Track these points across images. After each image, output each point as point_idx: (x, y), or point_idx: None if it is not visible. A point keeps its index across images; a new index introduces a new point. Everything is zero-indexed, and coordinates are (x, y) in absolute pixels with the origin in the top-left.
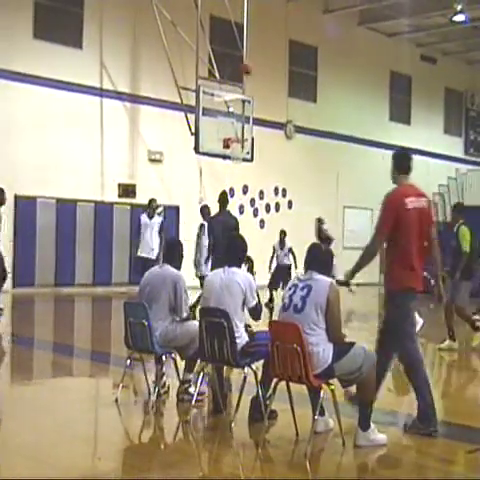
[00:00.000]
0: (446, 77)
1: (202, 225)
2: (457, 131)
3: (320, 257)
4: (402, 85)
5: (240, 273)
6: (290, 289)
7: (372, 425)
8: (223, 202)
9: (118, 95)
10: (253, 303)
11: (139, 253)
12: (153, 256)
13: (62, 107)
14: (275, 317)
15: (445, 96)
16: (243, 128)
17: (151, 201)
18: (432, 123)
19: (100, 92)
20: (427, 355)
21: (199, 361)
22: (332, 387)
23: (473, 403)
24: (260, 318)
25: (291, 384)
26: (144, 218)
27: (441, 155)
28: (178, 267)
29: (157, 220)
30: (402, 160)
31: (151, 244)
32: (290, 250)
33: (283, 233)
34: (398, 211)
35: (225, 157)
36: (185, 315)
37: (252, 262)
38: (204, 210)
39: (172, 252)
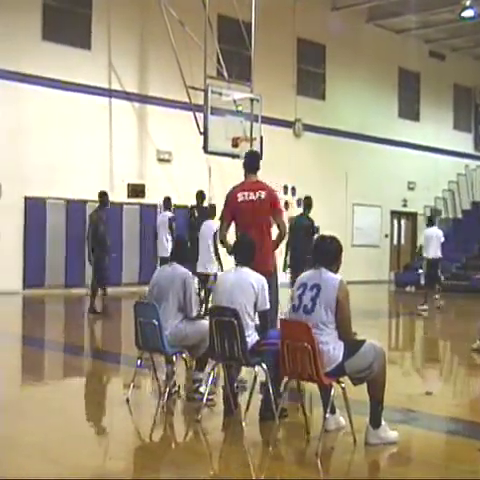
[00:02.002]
0: (455, 73)
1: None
2: (466, 127)
3: (328, 251)
4: (411, 82)
5: (253, 274)
6: (299, 289)
7: (383, 423)
8: (309, 205)
9: (126, 95)
10: (264, 307)
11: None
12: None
13: (71, 108)
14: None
15: (454, 92)
16: (251, 127)
17: (168, 199)
18: (441, 119)
19: (109, 93)
20: (460, 355)
21: (210, 360)
22: (343, 385)
23: None
24: (268, 326)
25: (302, 382)
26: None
27: (450, 151)
28: (189, 266)
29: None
30: (250, 160)
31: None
32: None
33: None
34: (231, 204)
35: (234, 156)
36: (195, 314)
37: None
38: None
39: (182, 251)
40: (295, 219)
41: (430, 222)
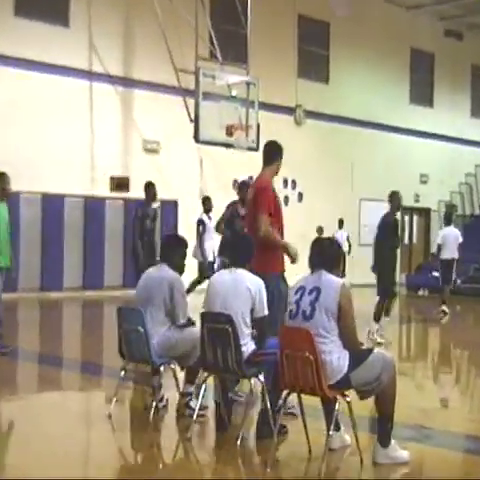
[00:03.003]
0: (473, 54)
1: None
2: None
3: (327, 253)
4: (424, 63)
5: (250, 277)
6: (297, 293)
7: (393, 441)
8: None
9: (109, 78)
10: (261, 314)
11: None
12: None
13: (47, 92)
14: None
15: (472, 75)
16: (247, 114)
17: (207, 198)
18: (458, 105)
19: (89, 75)
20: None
21: (201, 371)
22: (348, 399)
23: None
24: (265, 335)
25: (303, 396)
26: (207, 220)
27: (468, 141)
28: (178, 268)
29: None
30: (264, 151)
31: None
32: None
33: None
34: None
35: (228, 146)
36: (183, 321)
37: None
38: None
39: (170, 250)
40: (381, 218)
41: (447, 221)
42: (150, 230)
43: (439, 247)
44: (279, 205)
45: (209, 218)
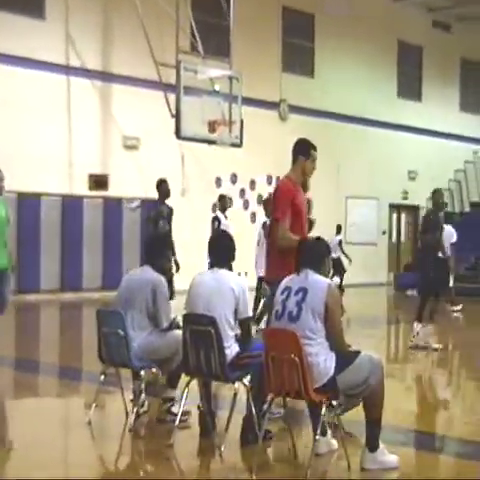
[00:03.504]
0: (462, 46)
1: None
2: (475, 108)
3: (313, 251)
4: (412, 56)
5: (233, 277)
6: (283, 293)
7: (381, 445)
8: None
9: (87, 73)
10: (246, 315)
11: None
12: None
13: (22, 87)
14: None
15: (461, 68)
16: (230, 109)
17: (223, 196)
18: (446, 99)
19: (66, 69)
20: (469, 367)
21: (183, 376)
22: (335, 402)
23: None
24: (249, 337)
25: (289, 400)
26: (222, 218)
27: (457, 136)
28: (161, 269)
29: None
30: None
31: None
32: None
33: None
34: None
35: (210, 142)
36: (166, 325)
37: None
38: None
39: (153, 252)
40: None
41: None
42: (165, 231)
43: None
44: (300, 208)
45: (225, 217)
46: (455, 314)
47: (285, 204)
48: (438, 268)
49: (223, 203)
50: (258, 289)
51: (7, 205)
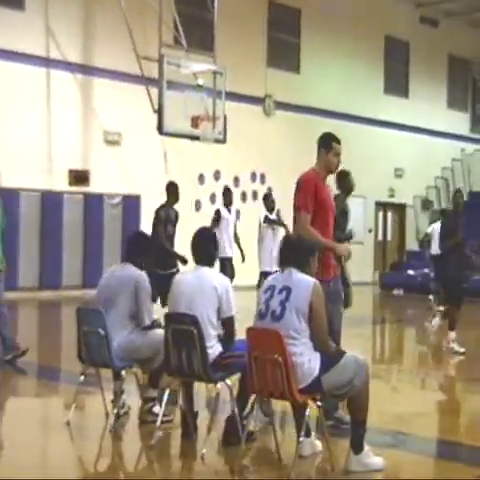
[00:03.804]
0: (449, 42)
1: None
2: (462, 105)
3: (297, 250)
4: (399, 52)
5: (216, 276)
6: (266, 292)
7: (366, 447)
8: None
9: (68, 66)
10: (229, 314)
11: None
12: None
13: (0, 80)
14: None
15: (448, 65)
16: (214, 104)
17: (228, 190)
18: (433, 96)
19: (46, 62)
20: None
21: (165, 375)
22: (319, 403)
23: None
24: (233, 337)
25: (272, 401)
26: (225, 212)
27: (444, 133)
28: (142, 266)
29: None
30: None
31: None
32: None
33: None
34: None
35: (194, 138)
36: (148, 323)
37: None
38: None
39: (135, 248)
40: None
41: (439, 216)
42: (170, 236)
43: (429, 241)
44: (324, 202)
45: (229, 211)
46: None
47: (306, 195)
48: (432, 264)
49: (228, 197)
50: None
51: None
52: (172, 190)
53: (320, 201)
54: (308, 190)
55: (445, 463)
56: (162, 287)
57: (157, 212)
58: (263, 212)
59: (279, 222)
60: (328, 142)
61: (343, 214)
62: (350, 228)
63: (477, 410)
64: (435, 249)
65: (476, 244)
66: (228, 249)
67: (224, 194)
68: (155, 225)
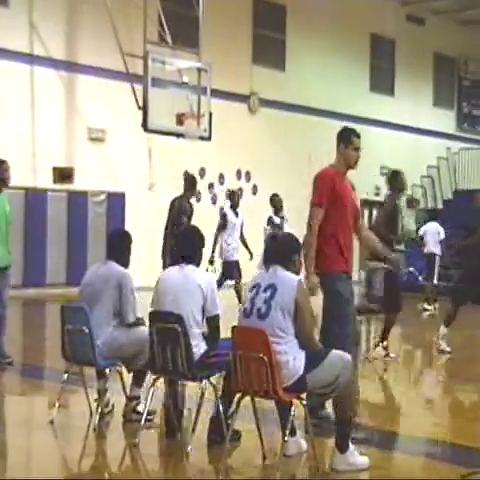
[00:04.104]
0: (436, 41)
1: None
2: (448, 103)
3: (282, 247)
4: (385, 50)
5: (201, 274)
6: (251, 291)
7: (352, 446)
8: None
9: (52, 62)
10: (214, 312)
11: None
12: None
13: None
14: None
15: (434, 63)
16: (199, 101)
17: (234, 192)
18: (419, 94)
19: (30, 59)
20: (440, 367)
21: (149, 374)
22: (304, 402)
23: (469, 419)
24: (218, 335)
25: (257, 400)
26: (231, 215)
27: (430, 131)
28: (126, 264)
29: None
30: None
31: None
32: None
33: None
34: None
35: (179, 135)
36: (132, 320)
37: None
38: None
39: (117, 246)
40: None
41: (432, 216)
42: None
43: (421, 238)
44: (343, 197)
45: (236, 214)
46: (427, 313)
47: (322, 191)
48: (425, 263)
49: (234, 199)
50: None
51: (6, 200)
52: (190, 182)
53: (338, 197)
54: (324, 186)
55: (430, 462)
56: None
57: (172, 203)
58: (268, 214)
59: (280, 226)
60: (347, 136)
61: (395, 214)
62: (408, 227)
63: (463, 410)
64: (424, 249)
65: (459, 242)
66: (235, 253)
67: (230, 196)
68: (171, 215)
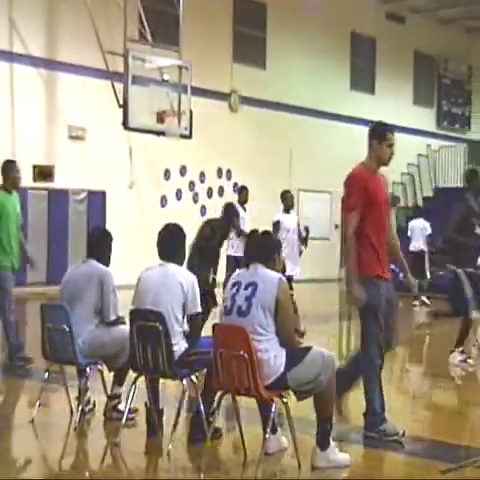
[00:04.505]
0: (416, 39)
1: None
2: (428, 101)
3: (262, 245)
4: (365, 48)
5: (181, 271)
6: (232, 288)
7: (332, 443)
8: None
9: (32, 60)
10: (194, 310)
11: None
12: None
13: None
14: None
15: (414, 61)
16: (180, 99)
17: (243, 188)
18: (399, 92)
19: (10, 56)
20: (419, 364)
21: (130, 372)
22: (285, 400)
23: (450, 415)
24: (199, 334)
25: (238, 398)
26: (240, 210)
27: (410, 129)
28: (106, 263)
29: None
30: None
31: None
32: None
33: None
34: None
35: (159, 133)
36: (113, 318)
37: None
38: None
39: (98, 244)
40: None
41: (417, 212)
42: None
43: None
44: (375, 196)
45: (244, 210)
46: (415, 308)
47: (355, 194)
48: (413, 261)
49: (244, 196)
50: None
51: (17, 201)
52: (243, 191)
53: (371, 197)
54: (357, 188)
55: (411, 459)
56: None
57: (229, 206)
58: (278, 214)
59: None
60: (381, 132)
61: (471, 215)
62: None
63: (442, 406)
64: (414, 246)
65: (441, 240)
66: (241, 248)
67: (239, 192)
68: (232, 219)
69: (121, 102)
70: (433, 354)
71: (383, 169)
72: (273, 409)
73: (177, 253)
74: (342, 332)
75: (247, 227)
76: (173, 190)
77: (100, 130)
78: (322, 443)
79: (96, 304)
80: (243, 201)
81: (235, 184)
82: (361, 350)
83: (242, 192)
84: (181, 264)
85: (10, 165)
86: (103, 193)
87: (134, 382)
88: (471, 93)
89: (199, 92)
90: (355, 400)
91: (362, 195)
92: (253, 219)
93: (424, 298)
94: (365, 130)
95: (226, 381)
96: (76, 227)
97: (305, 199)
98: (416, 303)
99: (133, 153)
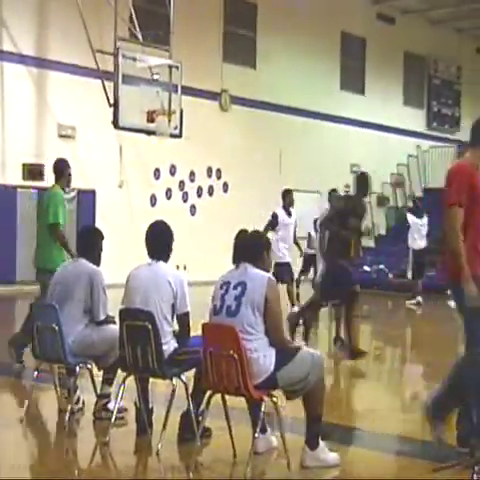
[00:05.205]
0: (406, 40)
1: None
2: (418, 102)
3: (251, 245)
4: (355, 49)
5: (171, 270)
6: (222, 288)
7: (322, 443)
8: None
9: (22, 58)
10: (184, 310)
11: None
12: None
13: None
14: None
15: (404, 62)
16: (170, 98)
17: (288, 192)
18: (390, 93)
19: None
20: (409, 364)
21: (120, 372)
22: (275, 399)
23: None
24: (188, 332)
25: (227, 397)
26: (283, 215)
27: (400, 130)
28: (96, 262)
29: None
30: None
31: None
32: None
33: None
34: None
35: (149, 132)
36: (102, 317)
37: None
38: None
39: (88, 243)
40: None
41: (416, 210)
42: (353, 229)
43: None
44: None
45: (289, 214)
46: (411, 307)
47: (459, 188)
48: (412, 259)
49: (287, 198)
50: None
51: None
52: (362, 181)
53: (476, 192)
54: (461, 182)
55: (398, 458)
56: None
57: (275, 215)
58: (279, 213)
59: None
60: None
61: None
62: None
63: None
64: (411, 244)
65: (433, 241)
66: (284, 254)
67: (283, 196)
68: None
69: (111, 101)
70: (433, 354)
71: (373, 168)
72: (263, 408)
73: (165, 251)
74: (331, 332)
75: (291, 233)
76: (163, 189)
77: (90, 129)
78: (311, 442)
79: (86, 303)
80: (287, 205)
81: (225, 184)
82: (465, 352)
83: (285, 196)
84: (166, 261)
85: (66, 163)
86: (93, 192)
87: (123, 381)
88: (461, 94)
89: (189, 92)
90: (343, 399)
91: (468, 191)
92: (243, 217)
93: (419, 298)
94: (355, 130)
95: (216, 380)
96: (66, 226)
97: (295, 199)
98: (413, 302)
99: (123, 152)
